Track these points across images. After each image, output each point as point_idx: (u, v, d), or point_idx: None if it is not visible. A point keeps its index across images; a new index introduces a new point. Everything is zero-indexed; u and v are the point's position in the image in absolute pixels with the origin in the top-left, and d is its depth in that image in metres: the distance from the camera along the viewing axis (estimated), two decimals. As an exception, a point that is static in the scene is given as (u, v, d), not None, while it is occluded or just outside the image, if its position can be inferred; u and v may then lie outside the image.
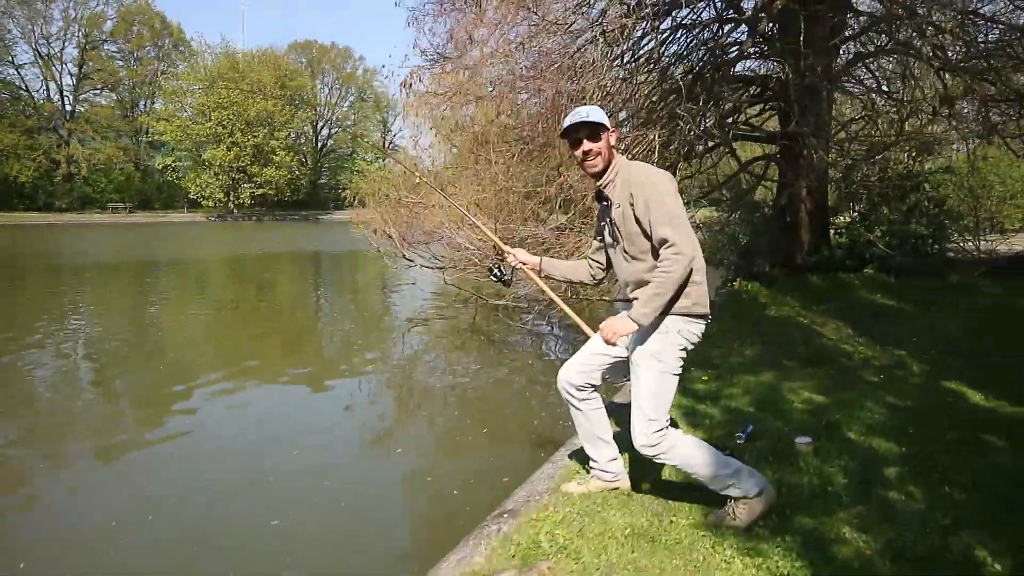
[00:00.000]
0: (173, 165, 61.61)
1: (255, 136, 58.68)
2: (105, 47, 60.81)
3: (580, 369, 3.04)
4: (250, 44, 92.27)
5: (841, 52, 10.01)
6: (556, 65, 7.11)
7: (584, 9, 7.59)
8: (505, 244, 3.34)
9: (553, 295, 3.29)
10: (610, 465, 3.12)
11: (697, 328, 2.72)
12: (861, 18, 9.51)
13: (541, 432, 5.21)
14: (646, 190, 2.65)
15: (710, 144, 9.12)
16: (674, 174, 7.30)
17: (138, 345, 8.91)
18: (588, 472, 3.24)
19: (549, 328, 9.27)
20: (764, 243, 10.79)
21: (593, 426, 3.10)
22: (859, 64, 10.16)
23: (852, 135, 10.14)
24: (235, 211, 59.35)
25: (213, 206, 59.44)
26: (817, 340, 6.50)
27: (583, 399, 3.06)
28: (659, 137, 6.88)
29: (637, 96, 8.15)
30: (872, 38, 9.70)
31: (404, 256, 10.26)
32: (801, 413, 4.16)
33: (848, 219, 11.81)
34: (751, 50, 9.41)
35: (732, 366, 5.45)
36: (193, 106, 60.11)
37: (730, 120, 8.91)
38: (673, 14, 8.94)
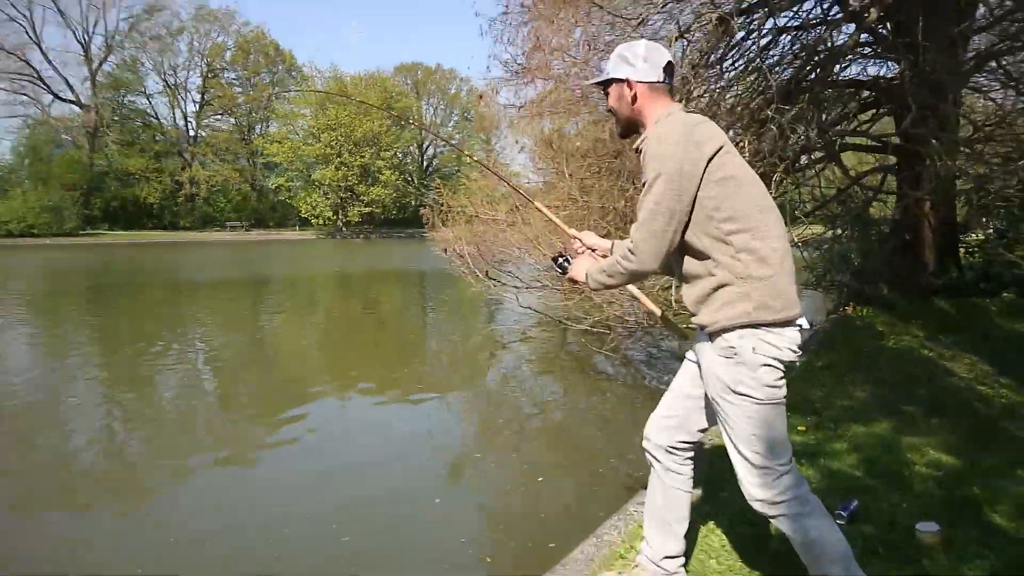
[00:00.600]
0: (286, 185, 64.47)
1: (362, 156, 60.54)
2: (225, 75, 64.73)
3: (666, 422, 2.31)
4: (359, 68, 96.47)
5: (971, 44, 8.79)
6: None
7: (670, 8, 6.87)
8: (571, 230, 2.71)
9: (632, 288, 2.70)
10: (665, 562, 2.38)
11: (779, 339, 1.98)
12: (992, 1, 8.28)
13: (610, 478, 4.60)
14: (648, 159, 2.06)
15: (814, 156, 8.15)
16: (769, 186, 6.45)
17: (253, 357, 9.63)
18: (635, 557, 2.55)
19: (644, 352, 8.57)
20: (881, 263, 9.63)
21: (666, 508, 2.35)
22: (992, 59, 8.89)
23: (984, 138, 8.86)
24: (343, 229, 61.36)
25: (323, 224, 61.70)
26: (945, 380, 5.50)
27: (669, 468, 2.31)
28: (748, 145, 6.10)
29: (733, 102, 7.36)
30: (1007, 28, 8.43)
31: (485, 275, 9.83)
32: (925, 482, 3.31)
33: (982, 236, 10.44)
34: (861, 50, 8.40)
35: (837, 412, 4.58)
36: (304, 128, 62.81)
37: (837, 128, 7.90)
38: (775, 17, 8.06)
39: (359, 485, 4.70)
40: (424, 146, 73.55)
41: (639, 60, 2.18)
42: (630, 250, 2.08)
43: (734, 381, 2.01)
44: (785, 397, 2.04)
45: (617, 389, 7.35)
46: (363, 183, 61.36)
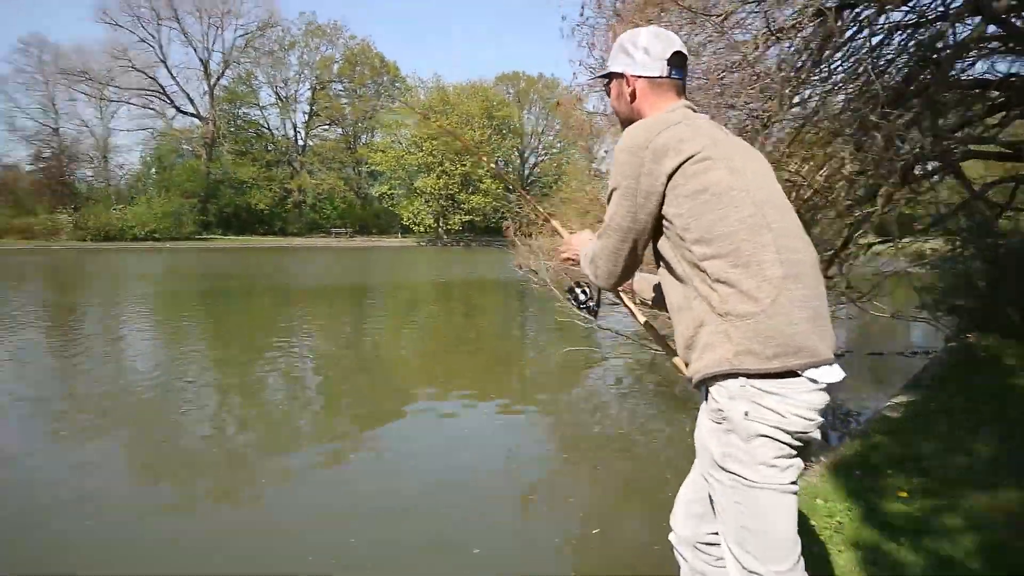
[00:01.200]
0: (389, 193, 66.24)
1: (463, 165, 61.34)
2: (332, 86, 67.35)
3: (692, 508, 1.87)
4: (461, 78, 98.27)
5: None
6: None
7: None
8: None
9: (639, 315, 2.26)
10: None
11: (783, 402, 1.50)
12: None
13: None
14: (612, 167, 1.75)
15: (929, 167, 7.25)
16: (875, 202, 5.73)
17: (352, 364, 9.95)
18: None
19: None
20: (1012, 285, 8.52)
21: None
22: None
23: None
24: (444, 236, 62.39)
25: (424, 232, 62.96)
26: (1089, 432, 4.65)
27: (697, 569, 1.88)
28: (850, 157, 5.41)
29: (841, 107, 6.63)
30: None
31: (568, 292, 9.43)
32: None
33: None
34: (987, 45, 7.42)
35: (952, 473, 3.89)
36: (407, 138, 64.35)
37: (958, 134, 6.98)
38: (886, 12, 7.23)
39: (410, 508, 4.65)
40: (525, 154, 73.79)
41: (638, 51, 1.81)
42: (593, 259, 1.84)
43: (721, 454, 1.58)
44: (795, 483, 1.56)
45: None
46: (464, 191, 62.19)
